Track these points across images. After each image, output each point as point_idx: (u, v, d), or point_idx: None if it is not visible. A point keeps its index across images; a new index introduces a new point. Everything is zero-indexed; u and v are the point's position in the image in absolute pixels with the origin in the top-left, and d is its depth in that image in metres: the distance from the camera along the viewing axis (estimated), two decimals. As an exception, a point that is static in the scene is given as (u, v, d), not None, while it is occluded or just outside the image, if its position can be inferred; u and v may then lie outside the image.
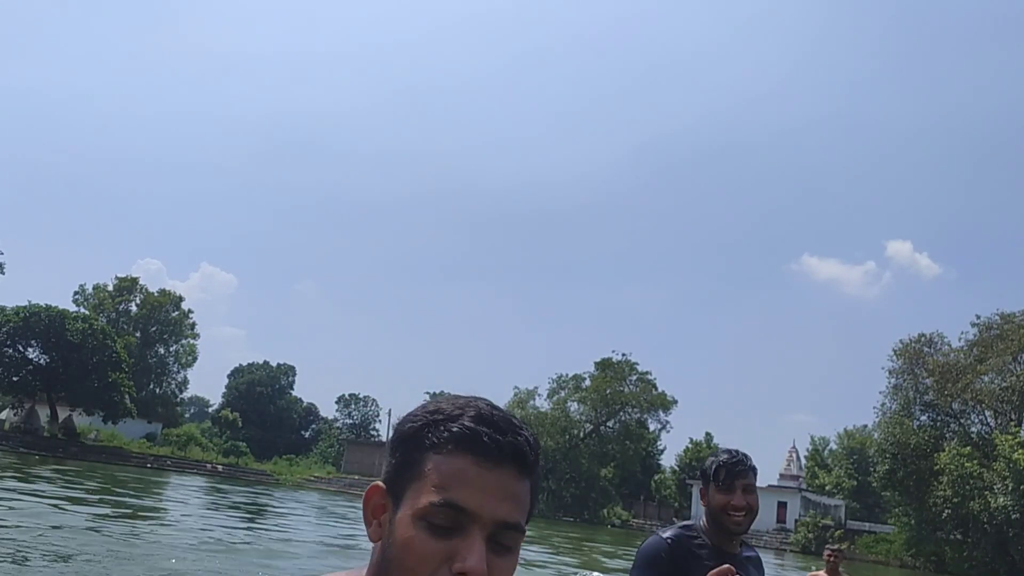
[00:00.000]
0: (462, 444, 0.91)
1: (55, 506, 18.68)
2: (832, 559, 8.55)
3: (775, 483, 65.65)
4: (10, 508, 16.79)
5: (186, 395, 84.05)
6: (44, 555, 11.35)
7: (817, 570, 9.07)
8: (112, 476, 35.90)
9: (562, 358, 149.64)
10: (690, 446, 72.16)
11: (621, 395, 63.19)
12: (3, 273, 54.64)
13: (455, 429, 0.92)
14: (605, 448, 63.00)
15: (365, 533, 0.96)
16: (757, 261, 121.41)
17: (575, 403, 64.95)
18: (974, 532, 44.11)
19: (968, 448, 45.28)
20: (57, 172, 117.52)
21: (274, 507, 31.80)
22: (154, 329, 71.26)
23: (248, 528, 20.78)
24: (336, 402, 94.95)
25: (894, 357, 50.72)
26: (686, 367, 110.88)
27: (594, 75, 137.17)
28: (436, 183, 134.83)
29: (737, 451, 2.96)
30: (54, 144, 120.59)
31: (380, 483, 0.96)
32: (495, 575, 0.89)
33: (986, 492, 43.22)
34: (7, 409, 58.08)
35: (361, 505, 0.97)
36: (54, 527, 14.49)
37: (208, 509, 25.98)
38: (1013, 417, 46.61)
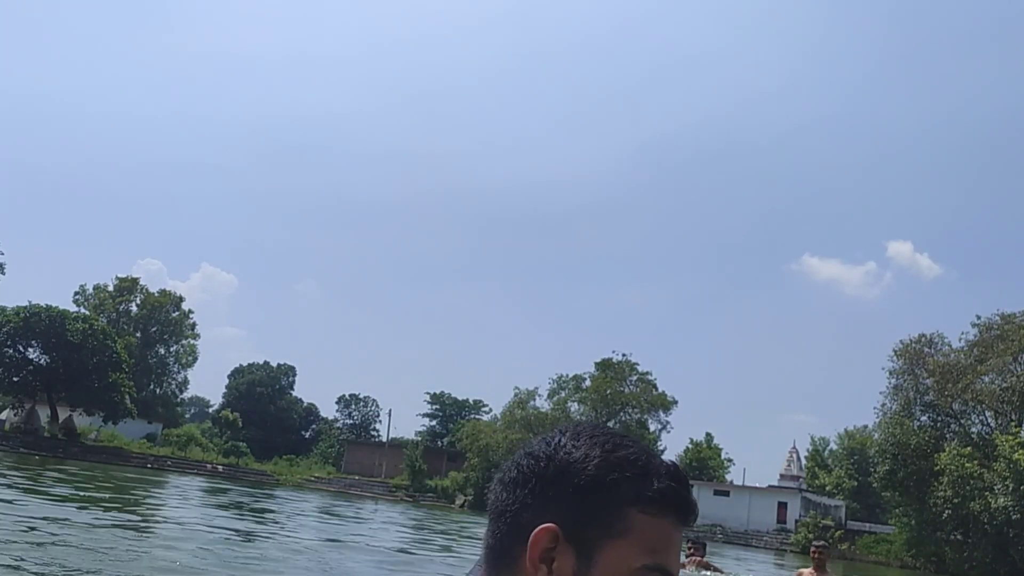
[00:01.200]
0: (669, 508, 0.91)
1: (56, 506, 18.70)
2: (818, 556, 8.63)
3: (775, 483, 65.67)
4: (11, 505, 16.80)
5: (186, 395, 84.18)
6: (45, 555, 11.35)
7: (804, 568, 9.16)
8: (112, 476, 35.92)
9: (562, 358, 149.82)
10: (691, 446, 72.16)
11: (621, 395, 63.22)
12: (3, 273, 54.73)
13: (663, 490, 0.91)
14: (605, 448, 62.98)
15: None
16: (758, 261, 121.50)
17: (575, 403, 64.98)
18: (974, 533, 44.08)
19: (968, 448, 45.27)
20: (57, 172, 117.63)
21: (275, 507, 31.81)
22: (154, 329, 71.30)
23: (249, 528, 20.79)
24: (336, 402, 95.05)
25: (894, 357, 50.74)
26: (686, 367, 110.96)
27: (596, 76, 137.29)
28: (437, 183, 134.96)
29: None
30: (55, 144, 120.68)
31: (553, 526, 0.89)
32: None
33: (986, 492, 43.19)
34: (7, 409, 58.11)
35: (501, 535, 0.93)
36: (54, 527, 14.50)
37: (208, 510, 25.99)
38: (1013, 417, 46.60)
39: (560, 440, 0.94)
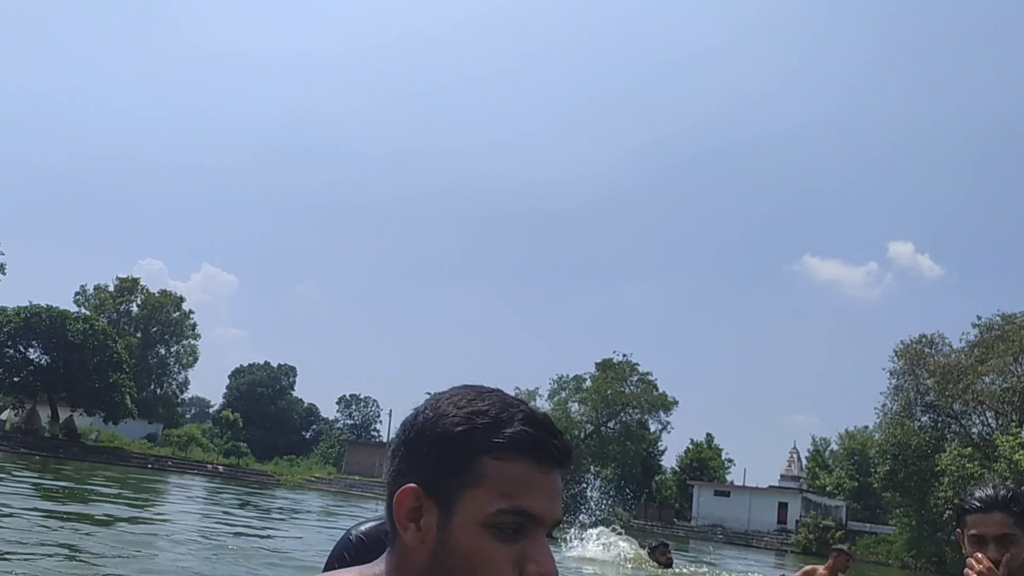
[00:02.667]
0: (523, 449, 0.92)
1: (57, 506, 18.71)
2: (845, 562, 8.30)
3: (776, 484, 65.69)
4: (10, 509, 16.81)
5: (187, 396, 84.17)
6: (44, 555, 11.36)
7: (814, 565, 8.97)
8: (112, 476, 35.94)
9: (563, 358, 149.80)
10: (691, 447, 72.14)
11: (622, 396, 63.19)
12: (4, 274, 54.79)
13: (513, 434, 0.92)
14: (606, 449, 62.98)
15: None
16: (758, 261, 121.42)
17: (576, 404, 64.97)
18: (975, 533, 44.07)
19: (969, 449, 45.27)
20: (58, 172, 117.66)
21: (274, 507, 31.83)
22: (155, 330, 71.32)
23: (248, 528, 20.80)
24: (337, 403, 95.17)
25: (895, 358, 50.74)
26: (687, 368, 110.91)
27: (595, 76, 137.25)
28: (437, 183, 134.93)
29: None
30: (55, 144, 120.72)
31: (415, 486, 0.93)
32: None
33: (987, 493, 43.17)
34: (8, 410, 58.14)
35: (388, 508, 0.95)
36: (54, 527, 14.51)
37: (208, 510, 26.00)
38: (1014, 418, 46.59)
39: (423, 406, 0.98)
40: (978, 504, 2.09)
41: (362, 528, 2.13)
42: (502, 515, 0.90)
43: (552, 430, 0.95)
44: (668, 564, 13.34)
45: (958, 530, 2.17)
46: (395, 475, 0.96)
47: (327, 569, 2.11)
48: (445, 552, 0.91)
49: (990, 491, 2.11)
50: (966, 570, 2.07)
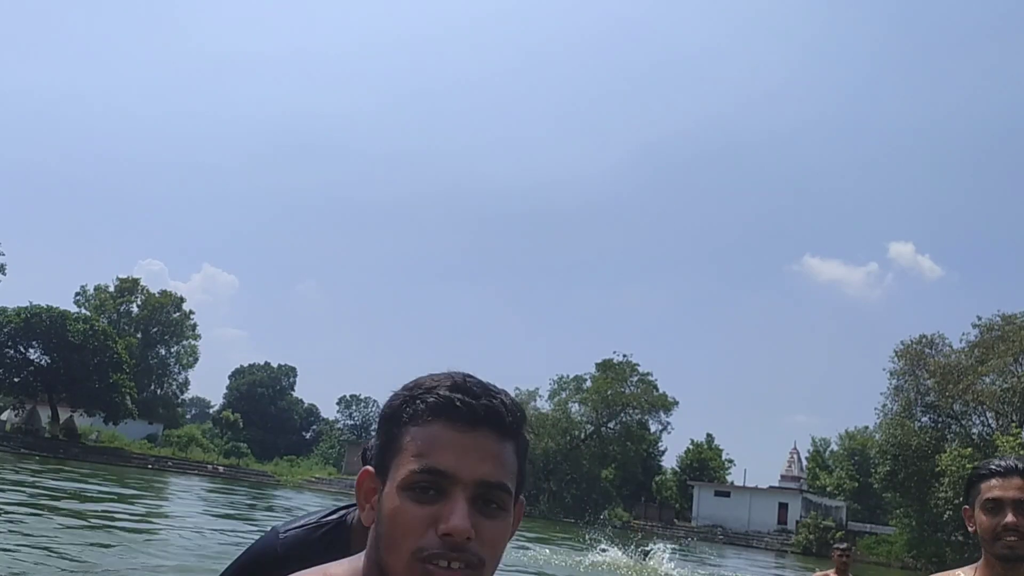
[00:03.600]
0: (437, 412, 0.95)
1: (57, 506, 18.70)
2: (844, 558, 8.20)
3: (776, 484, 65.63)
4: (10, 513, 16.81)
5: (187, 396, 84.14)
6: (44, 556, 11.35)
7: (822, 571, 8.87)
8: (113, 476, 35.93)
9: (563, 359, 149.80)
10: (691, 447, 72.13)
11: (622, 396, 63.17)
12: (4, 274, 54.76)
13: (431, 400, 0.95)
14: (606, 449, 62.97)
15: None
16: (759, 262, 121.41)
17: (576, 404, 64.96)
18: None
19: (969, 449, 45.25)
20: (58, 172, 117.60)
21: (276, 507, 31.82)
22: (155, 330, 71.31)
23: (248, 530, 20.79)
24: (337, 403, 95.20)
25: (895, 358, 50.74)
26: (687, 368, 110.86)
27: (596, 76, 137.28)
28: (438, 184, 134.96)
29: None
30: (55, 144, 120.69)
31: (369, 468, 0.99)
32: (485, 535, 0.92)
33: (987, 493, 43.19)
34: (8, 410, 58.15)
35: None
36: (54, 528, 14.51)
37: (207, 510, 25.99)
38: (1014, 418, 46.60)
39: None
40: (999, 469, 2.07)
41: (288, 535, 2.12)
42: (415, 475, 0.92)
43: (473, 392, 0.96)
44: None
45: (965, 507, 2.13)
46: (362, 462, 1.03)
47: (244, 568, 2.06)
48: (379, 521, 0.95)
49: (1010, 460, 2.09)
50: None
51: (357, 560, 1.02)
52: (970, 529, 2.09)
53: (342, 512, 2.14)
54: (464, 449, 0.93)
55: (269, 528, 2.16)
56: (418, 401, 0.96)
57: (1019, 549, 2.01)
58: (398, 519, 0.92)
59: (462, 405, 0.94)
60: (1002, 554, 2.01)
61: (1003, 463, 2.07)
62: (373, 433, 1.10)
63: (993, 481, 2.08)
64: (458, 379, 0.98)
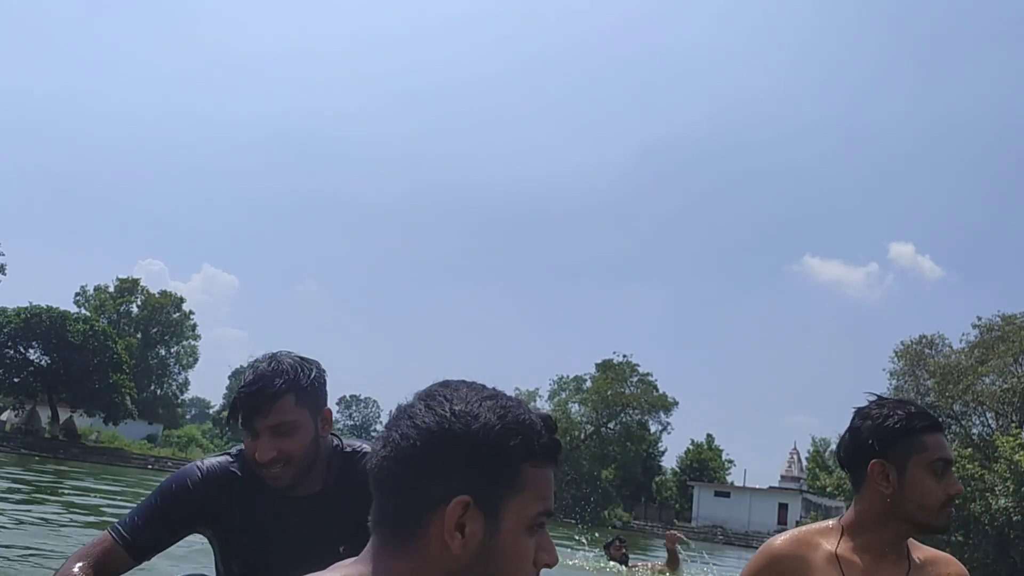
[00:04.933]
0: (551, 457, 1.02)
1: (55, 505, 18.70)
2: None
3: (776, 484, 65.68)
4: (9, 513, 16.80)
5: (187, 396, 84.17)
6: (45, 557, 11.34)
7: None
8: (114, 476, 35.93)
9: (563, 359, 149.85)
10: (691, 448, 72.15)
11: (622, 396, 63.18)
12: (4, 274, 54.83)
13: (544, 442, 1.01)
14: (606, 449, 62.98)
15: None
16: (759, 262, 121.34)
17: (576, 404, 64.96)
18: (975, 534, 44.01)
19: (969, 450, 45.16)
20: (57, 172, 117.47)
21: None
22: (155, 330, 71.33)
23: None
24: (337, 403, 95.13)
25: (895, 358, 50.78)
26: (687, 368, 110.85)
27: (598, 78, 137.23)
28: (438, 184, 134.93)
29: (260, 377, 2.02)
30: (56, 144, 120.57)
31: (467, 498, 0.96)
32: None
33: (987, 494, 43.15)
34: (8, 410, 58.17)
35: (397, 507, 1.01)
36: (55, 528, 14.50)
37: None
38: (1014, 419, 46.60)
39: (452, 409, 0.99)
40: (932, 423, 1.76)
41: (210, 462, 2.19)
42: (540, 516, 0.99)
43: (556, 431, 1.06)
44: (622, 560, 13.45)
45: (876, 462, 1.73)
46: (427, 481, 0.96)
47: (165, 501, 2.11)
48: (492, 556, 0.97)
49: (920, 407, 1.79)
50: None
51: (354, 569, 1.01)
52: (884, 491, 1.73)
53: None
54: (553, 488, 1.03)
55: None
56: (532, 441, 0.99)
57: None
58: (522, 556, 0.98)
59: (562, 452, 1.05)
60: (942, 525, 1.77)
61: (926, 412, 1.79)
62: (374, 435, 1.10)
63: (938, 436, 1.76)
64: (545, 416, 1.04)
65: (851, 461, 1.82)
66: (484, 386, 1.04)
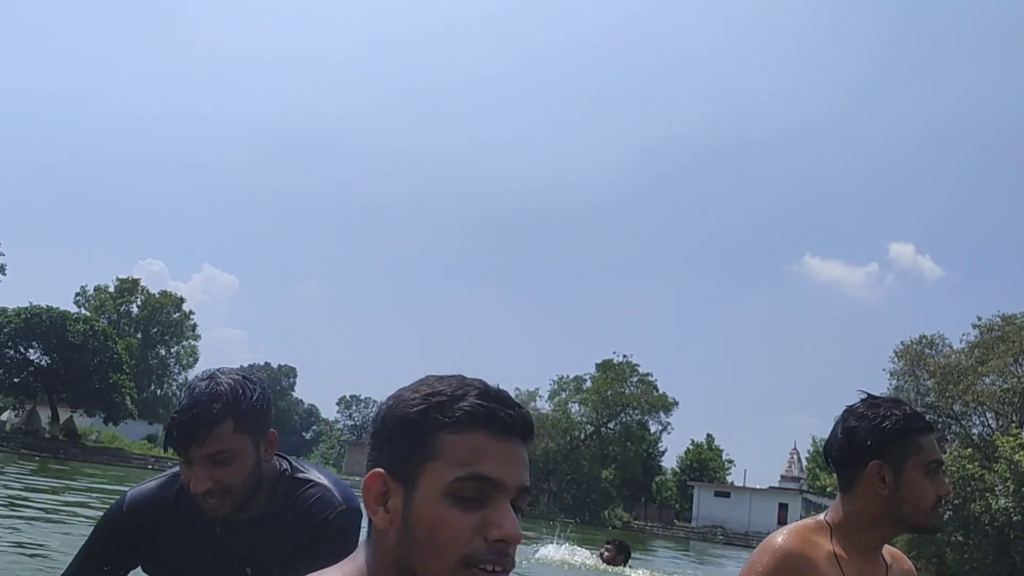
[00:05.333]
0: (477, 421, 0.98)
1: (56, 506, 18.69)
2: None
3: (776, 484, 65.67)
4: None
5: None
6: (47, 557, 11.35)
7: None
8: (113, 476, 35.92)
9: (563, 359, 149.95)
10: (691, 448, 72.13)
11: (622, 396, 63.17)
12: (4, 274, 54.83)
13: (467, 407, 0.98)
14: (606, 449, 62.97)
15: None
16: (759, 262, 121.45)
17: (576, 404, 64.94)
18: (975, 534, 44.05)
19: (969, 450, 45.24)
20: (58, 172, 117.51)
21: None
22: (155, 330, 71.34)
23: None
24: (337, 404, 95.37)
25: (895, 358, 50.76)
26: (687, 368, 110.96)
27: (597, 78, 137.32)
28: (438, 184, 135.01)
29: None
30: (55, 144, 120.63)
31: (381, 470, 1.01)
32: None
33: (987, 494, 43.17)
34: (8, 410, 58.15)
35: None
36: (55, 530, 14.50)
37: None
38: (1014, 419, 46.61)
39: (394, 394, 1.06)
40: (927, 424, 1.77)
41: (132, 494, 2.08)
42: (460, 482, 0.95)
43: (506, 402, 1.01)
44: (610, 561, 13.64)
45: (876, 462, 1.72)
46: (367, 466, 1.03)
47: (97, 539, 2.05)
48: (410, 526, 0.97)
49: (914, 408, 1.79)
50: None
51: (354, 563, 1.03)
52: (881, 492, 1.72)
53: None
54: (506, 457, 0.98)
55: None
56: (451, 408, 0.98)
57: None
58: (444, 526, 0.94)
59: (503, 415, 0.99)
60: (933, 525, 1.79)
61: (921, 414, 1.80)
62: (371, 435, 1.10)
63: (932, 438, 1.78)
64: (483, 387, 1.01)
65: (845, 461, 1.79)
66: (452, 376, 1.04)
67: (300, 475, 2.03)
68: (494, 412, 0.98)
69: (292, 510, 1.94)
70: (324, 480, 2.03)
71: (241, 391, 1.89)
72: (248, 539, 1.93)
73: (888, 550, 1.88)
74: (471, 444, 0.97)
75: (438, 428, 0.98)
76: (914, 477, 1.71)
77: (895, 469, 1.71)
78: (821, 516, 1.82)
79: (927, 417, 1.79)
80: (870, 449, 1.72)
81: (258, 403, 1.91)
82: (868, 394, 1.84)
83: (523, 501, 1.00)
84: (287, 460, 2.08)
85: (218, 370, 1.96)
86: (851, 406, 1.83)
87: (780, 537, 1.76)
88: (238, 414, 1.85)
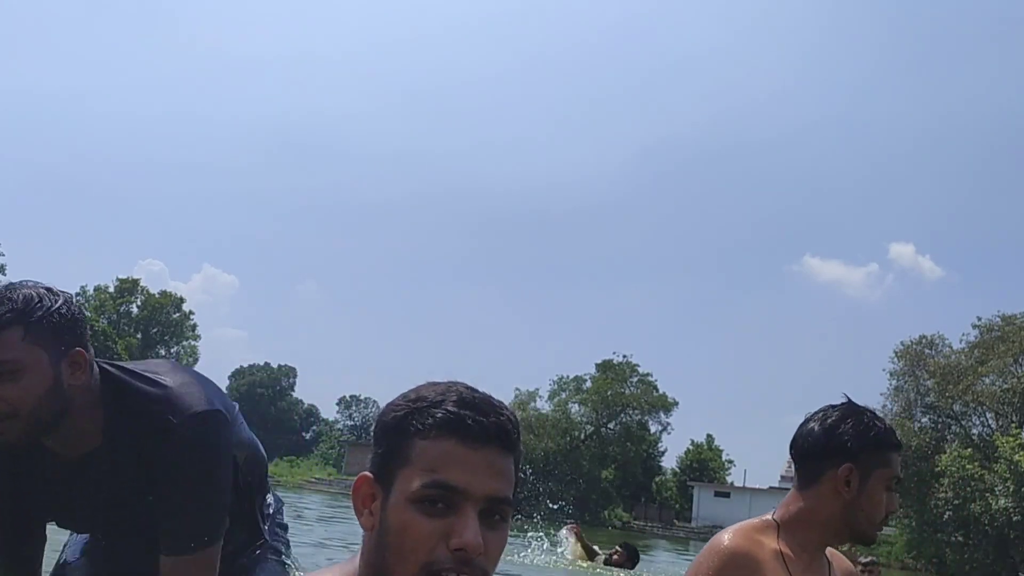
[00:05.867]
0: (447, 428, 0.98)
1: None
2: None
3: (776, 484, 65.65)
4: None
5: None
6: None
7: None
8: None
9: (563, 359, 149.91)
10: (691, 448, 72.16)
11: (622, 396, 63.20)
12: (4, 274, 54.79)
13: (439, 415, 0.99)
14: (606, 450, 62.99)
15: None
16: (759, 262, 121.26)
17: (576, 404, 64.97)
18: (975, 534, 44.11)
19: (969, 450, 45.29)
20: (58, 172, 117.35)
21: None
22: (155, 331, 71.33)
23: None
24: (337, 404, 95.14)
25: (895, 359, 50.78)
26: (687, 368, 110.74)
27: (597, 78, 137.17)
28: (438, 185, 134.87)
29: None
30: (55, 144, 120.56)
31: (368, 473, 1.04)
32: (489, 547, 0.97)
33: (987, 494, 43.23)
34: (8, 411, 58.26)
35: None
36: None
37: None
38: (1014, 419, 46.64)
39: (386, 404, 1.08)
40: (898, 442, 1.87)
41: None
42: (425, 489, 0.96)
43: (481, 409, 1.01)
44: (618, 565, 13.73)
45: (847, 465, 1.76)
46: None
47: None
48: (383, 531, 0.99)
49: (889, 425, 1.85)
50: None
51: (351, 564, 1.05)
52: (844, 495, 1.76)
53: None
54: (474, 466, 0.97)
55: None
56: (426, 415, 0.99)
57: None
58: (408, 532, 0.96)
59: (473, 423, 0.99)
60: (874, 538, 1.84)
61: (893, 430, 1.87)
62: (371, 436, 1.11)
63: (899, 457, 1.88)
64: (465, 394, 1.01)
65: (818, 456, 1.80)
66: (445, 382, 1.05)
67: (139, 385, 1.75)
68: (463, 419, 0.98)
69: (130, 427, 1.71)
70: (170, 381, 1.76)
71: (38, 299, 1.62)
72: (97, 475, 1.73)
73: (828, 550, 1.88)
74: (440, 451, 0.97)
75: (412, 434, 0.99)
76: (876, 488, 1.78)
77: (862, 475, 1.76)
78: (768, 514, 1.83)
79: (892, 430, 1.86)
80: (847, 451, 1.76)
81: (59, 314, 1.63)
82: (850, 400, 1.89)
83: (496, 511, 0.98)
84: (125, 372, 1.79)
85: (23, 281, 1.68)
86: (834, 405, 1.86)
87: (726, 537, 1.77)
88: (28, 322, 1.58)
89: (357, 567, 1.04)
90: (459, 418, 0.98)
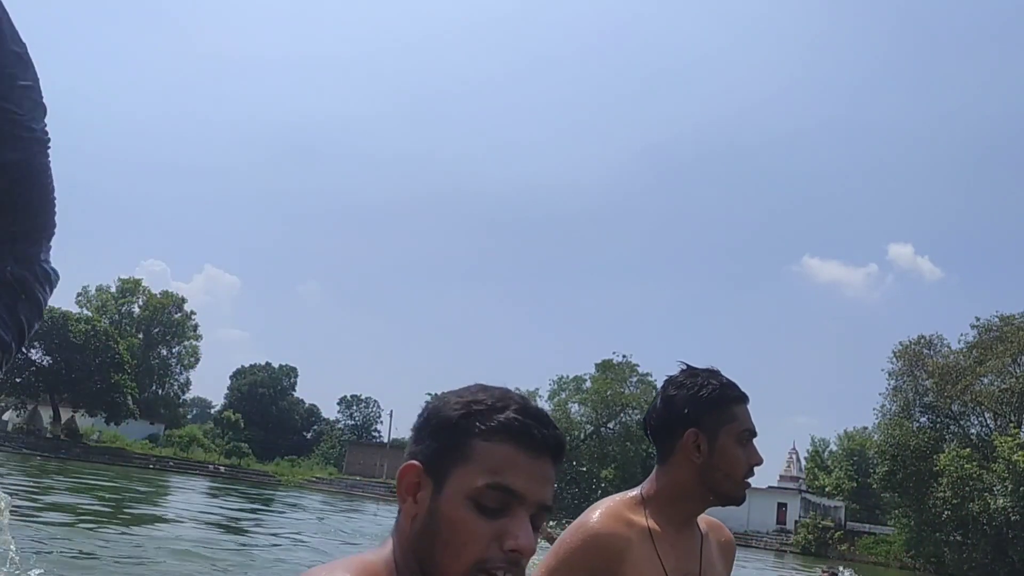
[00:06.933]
0: (511, 434, 1.03)
1: (63, 509, 18.85)
2: None
3: (775, 484, 65.77)
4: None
5: (188, 396, 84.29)
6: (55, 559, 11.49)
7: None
8: (114, 477, 36.09)
9: (563, 359, 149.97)
10: (691, 447, 72.23)
11: (622, 396, 63.32)
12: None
13: (503, 419, 1.03)
14: (606, 449, 63.13)
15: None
16: (758, 262, 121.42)
17: (576, 404, 65.10)
18: (974, 533, 44.25)
19: (968, 450, 45.44)
20: (59, 173, 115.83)
21: (276, 508, 31.99)
22: (157, 331, 71.45)
23: (248, 529, 20.95)
24: (338, 403, 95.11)
25: (894, 359, 50.92)
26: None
27: (599, 80, 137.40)
28: (439, 186, 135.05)
29: None
30: (55, 144, 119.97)
31: (416, 463, 1.06)
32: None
33: (985, 494, 43.38)
34: (10, 410, 58.36)
35: (395, 485, 1.07)
36: (55, 531, 14.65)
37: (209, 511, 26.16)
38: (1012, 419, 46.77)
39: (440, 395, 1.12)
40: (742, 394, 1.83)
41: None
42: (488, 489, 1.00)
43: (543, 420, 1.06)
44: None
45: (693, 431, 1.74)
46: (405, 458, 1.08)
47: None
48: (432, 520, 1.02)
49: (729, 379, 1.82)
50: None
51: (385, 549, 1.10)
52: (696, 460, 1.73)
53: None
54: (532, 474, 1.02)
55: None
56: (490, 418, 1.04)
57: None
58: (463, 527, 1.00)
59: (537, 433, 1.03)
60: (741, 496, 1.77)
61: (735, 383, 1.82)
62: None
63: (746, 408, 1.83)
64: (526, 404, 1.06)
65: (663, 430, 1.79)
66: (498, 388, 1.12)
67: None
68: (528, 428, 1.03)
69: None
70: None
71: None
72: None
73: (704, 519, 1.87)
74: (502, 455, 1.02)
75: (474, 434, 1.03)
76: (727, 445, 1.73)
77: (709, 437, 1.73)
78: (635, 490, 1.81)
79: (735, 383, 1.80)
80: (687, 417, 1.74)
81: None
82: (687, 365, 1.86)
83: (541, 519, 1.05)
84: None
85: None
86: (670, 376, 1.85)
87: (593, 515, 1.76)
88: None
89: (390, 553, 1.09)
90: (525, 427, 1.03)
